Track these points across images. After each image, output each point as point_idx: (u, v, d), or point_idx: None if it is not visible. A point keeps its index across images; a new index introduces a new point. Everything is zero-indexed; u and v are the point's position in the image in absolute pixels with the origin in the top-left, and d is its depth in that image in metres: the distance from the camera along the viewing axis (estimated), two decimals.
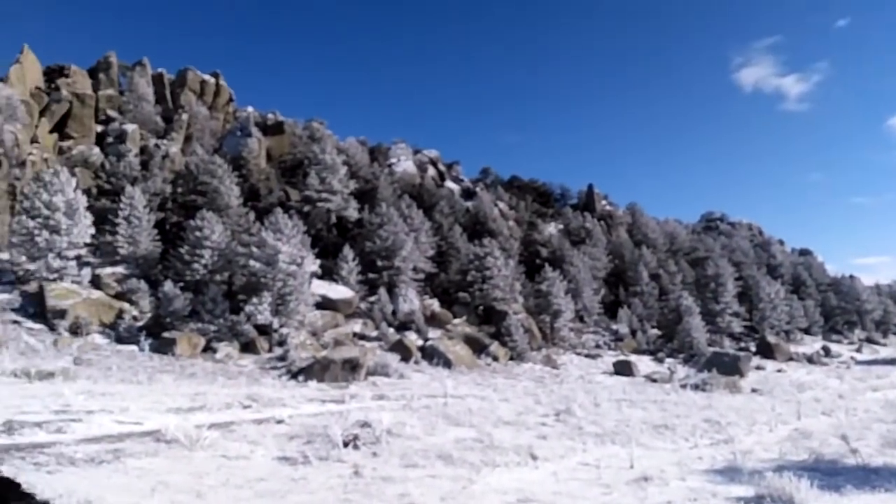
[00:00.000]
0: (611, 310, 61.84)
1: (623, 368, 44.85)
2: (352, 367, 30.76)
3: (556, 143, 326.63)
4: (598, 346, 54.21)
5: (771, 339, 59.79)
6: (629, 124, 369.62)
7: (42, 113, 55.96)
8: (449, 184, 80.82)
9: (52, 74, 62.77)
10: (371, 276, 49.17)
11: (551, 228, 75.21)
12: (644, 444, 15.75)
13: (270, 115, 75.69)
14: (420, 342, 42.20)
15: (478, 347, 43.84)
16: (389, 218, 51.65)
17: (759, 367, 50.16)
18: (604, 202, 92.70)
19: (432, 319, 47.62)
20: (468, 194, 78.56)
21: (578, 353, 51.28)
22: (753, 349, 58.06)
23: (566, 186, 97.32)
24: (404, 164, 79.11)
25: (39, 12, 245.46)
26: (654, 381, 41.33)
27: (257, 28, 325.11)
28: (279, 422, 15.48)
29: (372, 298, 47.60)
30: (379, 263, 49.82)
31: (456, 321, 48.81)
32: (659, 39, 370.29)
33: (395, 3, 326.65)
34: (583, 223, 76.67)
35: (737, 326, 61.58)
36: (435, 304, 50.71)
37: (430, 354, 39.29)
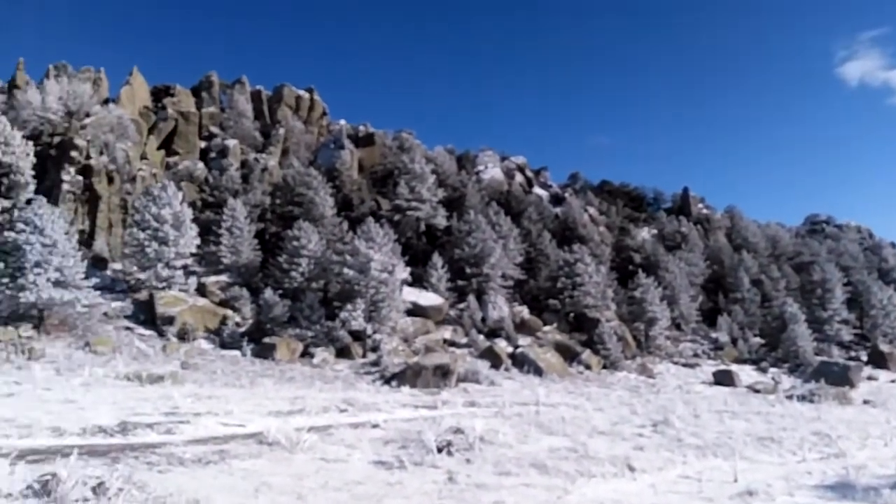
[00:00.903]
0: (709, 317, 59.58)
1: (723, 378, 43.20)
2: (443, 374, 31.08)
3: (648, 145, 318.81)
4: (696, 355, 52.39)
5: (884, 347, 55.91)
6: (726, 123, 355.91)
7: (150, 131, 59.81)
8: (537, 190, 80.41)
9: (159, 94, 67.00)
10: (460, 283, 49.53)
11: (644, 233, 73.38)
12: (748, 458, 15.13)
13: (362, 128, 77.76)
14: (510, 349, 42.13)
15: (569, 355, 43.31)
16: (477, 225, 51.91)
17: (870, 378, 47.11)
18: (700, 205, 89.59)
19: (522, 326, 47.45)
20: (557, 200, 77.87)
21: (675, 363, 49.76)
22: (864, 359, 54.48)
23: (659, 190, 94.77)
24: (491, 171, 79.34)
25: (147, 36, 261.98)
26: (757, 391, 39.59)
27: (349, 43, 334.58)
28: (375, 426, 15.87)
29: (461, 305, 47.94)
30: (468, 270, 50.12)
31: (546, 328, 48.44)
32: (758, 34, 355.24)
33: (479, 14, 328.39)
34: (678, 228, 74.38)
35: (846, 334, 57.94)
36: (524, 311, 50.51)
37: (521, 362, 39.16)
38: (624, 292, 54.38)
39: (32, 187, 43.45)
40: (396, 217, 55.24)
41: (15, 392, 18.48)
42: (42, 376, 22.88)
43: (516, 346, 42.98)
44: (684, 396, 34.67)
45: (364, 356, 37.59)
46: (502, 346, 42.56)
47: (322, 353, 36.21)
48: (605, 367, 44.21)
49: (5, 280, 31.01)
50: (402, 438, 14.21)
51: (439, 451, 12.61)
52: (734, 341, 55.27)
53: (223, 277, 43.96)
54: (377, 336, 38.82)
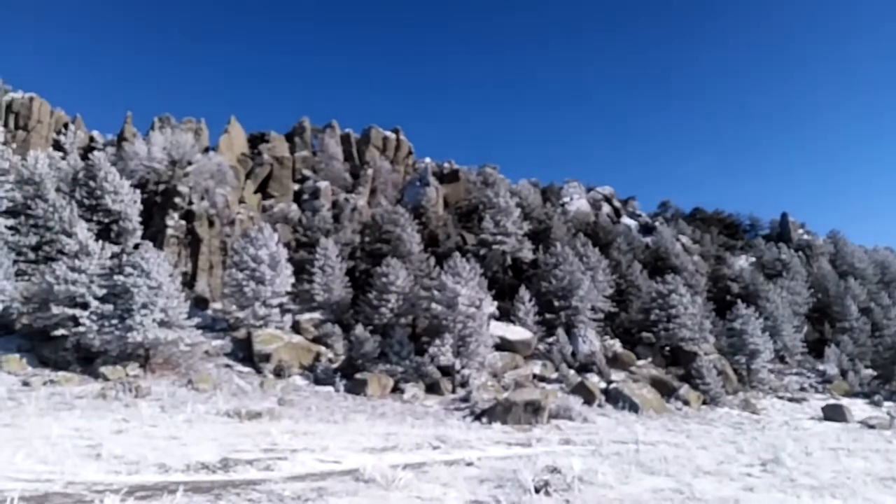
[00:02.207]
0: (815, 348, 56.11)
1: (834, 413, 40.35)
2: (534, 410, 30.45)
3: (743, 170, 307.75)
4: (802, 389, 49.28)
5: None
6: (826, 145, 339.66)
7: (247, 176, 62.72)
8: (625, 220, 78.80)
9: (255, 141, 70.39)
10: (548, 316, 48.76)
11: (742, 262, 70.36)
12: (870, 499, 13.94)
13: (446, 164, 78.86)
14: (602, 384, 40.93)
15: (666, 391, 41.62)
16: (565, 257, 51.18)
17: None
18: (800, 231, 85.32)
19: (614, 361, 46.09)
20: (647, 230, 76.01)
21: (780, 397, 46.92)
22: None
23: (756, 216, 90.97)
24: (577, 202, 78.45)
25: (244, 86, 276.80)
26: (872, 427, 36.74)
27: (433, 83, 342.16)
28: (469, 464, 15.61)
29: (550, 339, 47.10)
30: (556, 304, 49.32)
31: (640, 363, 46.87)
32: (871, 49, 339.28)
33: (562, 44, 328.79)
34: (778, 255, 70.91)
35: None
36: (616, 345, 49.11)
37: (615, 398, 37.93)
38: (722, 324, 52.04)
39: (139, 233, 46.18)
40: (482, 251, 55.24)
41: (123, 429, 19.36)
42: (148, 413, 23.93)
43: (609, 382, 41.72)
44: (792, 433, 32.55)
45: (453, 391, 37.40)
46: (594, 381, 41.41)
47: (412, 389, 36.28)
48: (704, 402, 42.18)
49: (114, 321, 32.84)
50: (496, 477, 13.91)
51: (536, 491, 12.24)
52: (843, 373, 51.69)
53: (316, 315, 45.02)
54: (466, 371, 38.61)
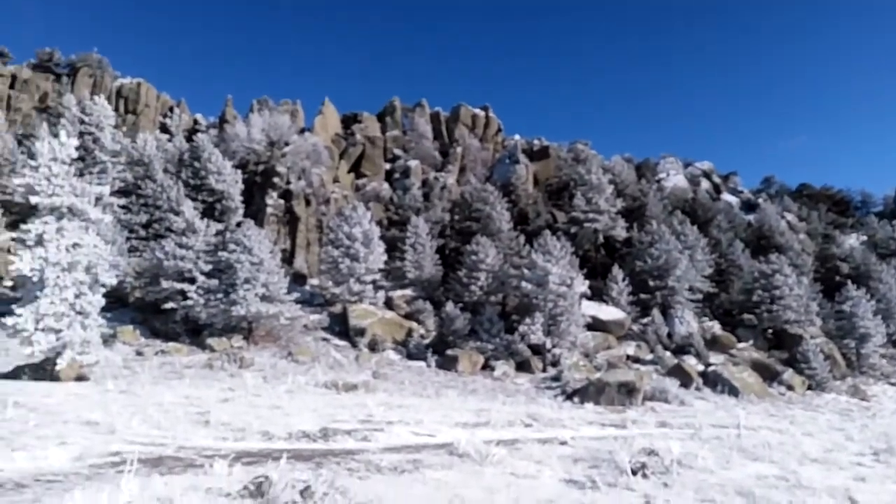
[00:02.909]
0: None
1: None
2: (628, 391, 29.84)
3: (853, 143, 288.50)
4: None
5: None
6: None
7: (341, 156, 64.14)
8: (726, 196, 75.53)
9: (348, 121, 71.80)
10: (643, 296, 47.54)
11: (852, 240, 66.14)
12: None
13: (536, 141, 77.81)
14: (700, 367, 39.60)
15: (768, 375, 39.83)
16: (660, 235, 49.64)
17: None
18: None
19: (713, 343, 44.47)
20: (749, 207, 72.62)
21: (893, 383, 44.05)
22: None
23: (868, 192, 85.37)
24: (674, 178, 75.81)
25: (337, 67, 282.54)
26: None
27: (522, 60, 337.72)
28: (562, 443, 15.46)
29: (644, 320, 45.95)
30: (651, 283, 48.00)
31: (741, 345, 45.02)
32: None
33: (657, 20, 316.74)
34: (892, 233, 66.22)
35: None
36: (715, 327, 47.36)
37: (713, 381, 36.64)
38: (830, 306, 49.20)
39: (241, 211, 48.22)
40: (573, 229, 54.37)
41: (229, 398, 20.33)
42: (252, 383, 25.05)
43: (708, 364, 40.32)
44: None
45: (544, 370, 37.18)
46: (691, 363, 40.12)
47: (502, 367, 36.33)
48: (809, 388, 40.12)
49: (220, 295, 34.51)
50: (591, 457, 13.70)
51: (633, 473, 11.96)
52: None
53: (408, 291, 45.73)
54: (557, 350, 38.28)
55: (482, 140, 74.98)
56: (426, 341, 39.47)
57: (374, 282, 42.56)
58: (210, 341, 33.58)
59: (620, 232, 55.27)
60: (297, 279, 45.52)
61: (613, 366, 38.09)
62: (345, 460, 11.64)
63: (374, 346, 37.38)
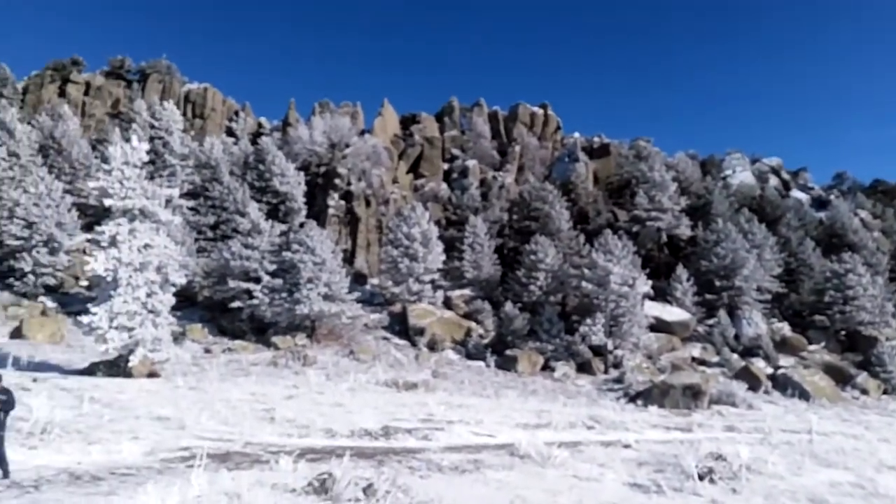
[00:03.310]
0: None
1: None
2: (693, 394, 29.12)
3: None
4: None
5: None
6: None
7: (400, 156, 64.69)
8: (795, 193, 72.83)
9: (407, 122, 72.32)
10: (708, 297, 46.26)
11: None
12: None
13: (596, 139, 76.73)
14: (769, 370, 38.31)
15: (841, 378, 38.20)
16: (726, 234, 48.20)
17: None
18: None
19: (782, 345, 42.93)
20: (820, 204, 69.83)
21: None
22: None
23: None
24: (740, 175, 73.50)
25: (396, 69, 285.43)
26: None
27: (581, 56, 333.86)
28: (626, 446, 15.21)
29: (710, 321, 44.69)
30: (717, 283, 46.67)
31: (812, 347, 43.34)
32: None
33: (720, 16, 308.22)
34: None
35: None
36: (785, 328, 45.71)
37: (783, 384, 35.38)
38: None
39: (304, 212, 49.20)
40: (635, 228, 53.35)
41: (293, 395, 20.77)
42: (315, 381, 25.52)
43: (777, 367, 38.97)
44: None
45: (606, 372, 36.62)
46: (760, 366, 38.82)
47: (563, 368, 35.96)
48: (885, 392, 38.27)
49: (284, 294, 35.28)
50: (656, 461, 13.43)
51: (700, 478, 11.67)
52: None
53: (466, 291, 45.76)
54: (619, 352, 37.66)
55: (541, 138, 74.35)
56: (485, 341, 39.40)
57: (432, 281, 42.73)
58: (275, 339, 34.37)
59: (685, 230, 53.94)
60: (358, 279, 46.12)
61: (678, 368, 37.21)
62: (406, 459, 11.72)
63: (433, 346, 37.54)
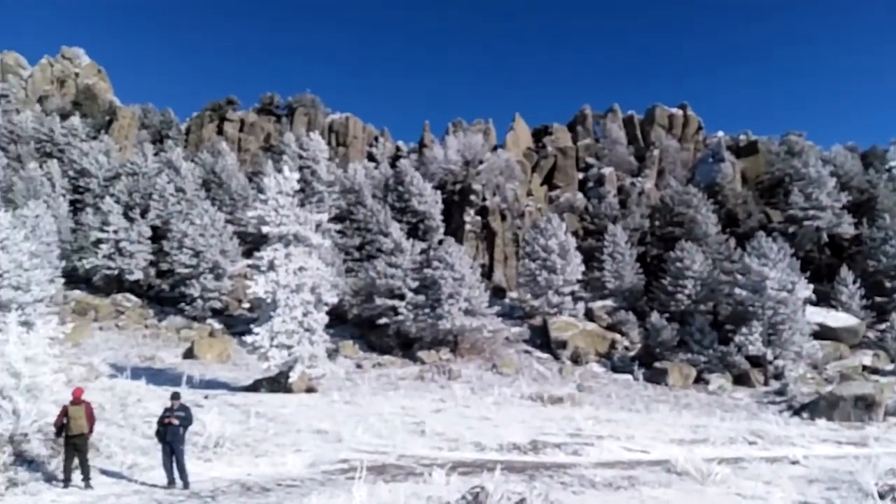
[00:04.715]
0: None
1: None
2: (866, 406, 26.74)
3: None
4: None
5: None
6: None
7: (533, 169, 64.65)
8: None
9: (539, 134, 72.14)
10: (878, 299, 42.40)
11: None
12: None
13: (742, 137, 72.66)
14: None
15: None
16: (895, 231, 43.93)
17: None
18: None
19: None
20: None
21: None
22: None
23: None
24: None
25: (525, 82, 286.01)
26: None
27: (721, 52, 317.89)
28: (793, 462, 14.20)
29: (882, 326, 40.80)
30: (888, 285, 42.79)
31: None
32: None
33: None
34: None
35: None
36: None
37: None
38: None
39: (442, 230, 50.40)
40: (791, 229, 49.86)
41: (441, 408, 21.24)
42: (461, 394, 25.96)
43: None
44: None
45: (765, 383, 34.45)
46: None
47: (718, 380, 34.18)
48: None
49: (427, 310, 36.27)
50: (828, 478, 12.42)
51: (881, 496, 10.66)
52: None
53: (608, 302, 44.74)
54: (779, 362, 35.26)
55: (681, 140, 71.40)
56: (631, 353, 38.27)
57: (572, 293, 42.19)
58: (420, 354, 35.38)
59: (847, 229, 49.68)
60: (497, 293, 46.43)
61: (847, 377, 34.24)
62: (557, 474, 11.63)
63: (576, 359, 37.00)
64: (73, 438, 9.90)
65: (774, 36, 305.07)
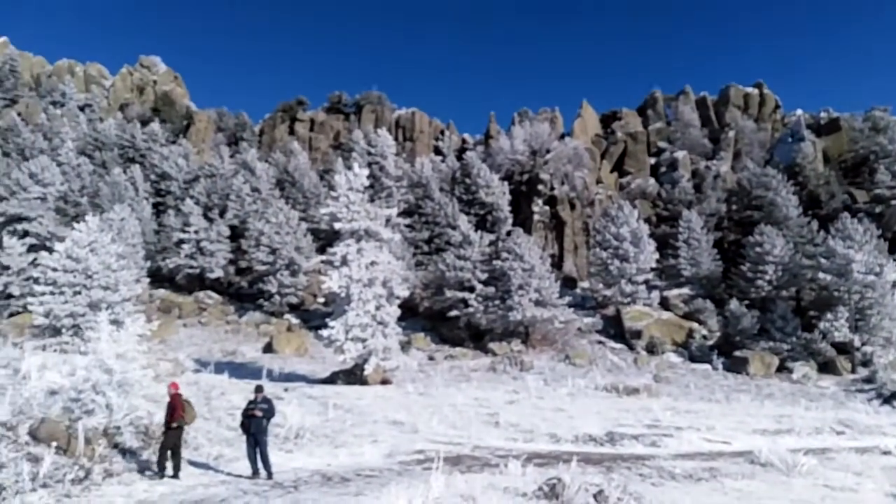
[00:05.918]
0: None
1: None
2: None
3: None
4: None
5: None
6: None
7: (602, 156, 63.45)
8: None
9: (607, 120, 70.71)
10: None
11: None
12: None
13: (823, 114, 69.27)
14: None
15: None
16: None
17: None
18: None
19: None
20: None
21: None
22: None
23: None
24: None
25: (593, 67, 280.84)
26: None
27: (796, 27, 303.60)
28: (885, 453, 13.57)
29: None
30: None
31: None
32: None
33: None
34: None
35: None
36: None
37: None
38: None
39: (510, 221, 50.16)
40: (878, 209, 47.41)
41: (514, 400, 21.25)
42: (534, 386, 25.89)
43: None
44: None
45: (853, 371, 32.94)
46: None
47: (802, 368, 32.88)
48: None
49: (497, 302, 36.26)
50: None
51: None
52: None
53: (684, 290, 43.61)
54: (867, 348, 33.68)
55: (757, 120, 68.70)
56: (710, 342, 37.22)
57: (646, 282, 41.32)
58: (491, 346, 35.42)
59: None
60: (567, 283, 45.92)
61: None
62: (635, 465, 11.48)
63: (652, 349, 36.26)
64: (173, 430, 10.40)
65: (852, 3, 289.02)
